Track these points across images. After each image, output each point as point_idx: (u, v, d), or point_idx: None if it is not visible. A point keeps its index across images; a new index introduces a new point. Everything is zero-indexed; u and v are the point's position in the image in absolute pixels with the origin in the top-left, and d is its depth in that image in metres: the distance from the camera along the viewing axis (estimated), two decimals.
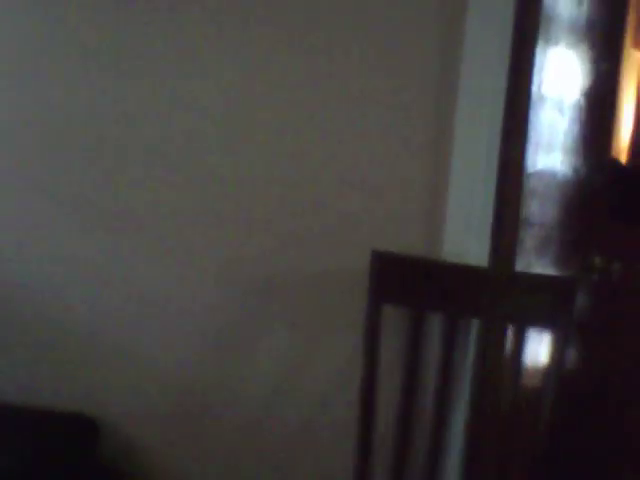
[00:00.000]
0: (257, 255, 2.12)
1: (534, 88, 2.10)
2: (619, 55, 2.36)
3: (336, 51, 2.05)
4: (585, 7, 2.21)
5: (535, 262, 2.21)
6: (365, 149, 2.07)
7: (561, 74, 2.21)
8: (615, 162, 2.72)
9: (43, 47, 2.15)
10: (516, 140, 2.09)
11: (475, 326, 2.01)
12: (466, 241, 2.05)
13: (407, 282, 2.00)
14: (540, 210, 2.21)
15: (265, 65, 2.08)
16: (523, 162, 2.11)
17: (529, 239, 2.17)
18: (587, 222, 2.34)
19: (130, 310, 2.18)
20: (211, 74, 2.10)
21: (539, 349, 2.12)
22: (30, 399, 2.17)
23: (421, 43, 2.03)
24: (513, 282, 2.01)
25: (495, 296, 1.97)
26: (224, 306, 2.15)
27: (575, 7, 2.21)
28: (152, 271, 2.16)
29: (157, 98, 2.12)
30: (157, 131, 2.13)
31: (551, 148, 2.21)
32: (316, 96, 2.07)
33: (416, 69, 2.04)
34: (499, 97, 2.04)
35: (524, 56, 2.07)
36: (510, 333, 1.99)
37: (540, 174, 2.18)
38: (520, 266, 2.14)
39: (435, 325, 2.02)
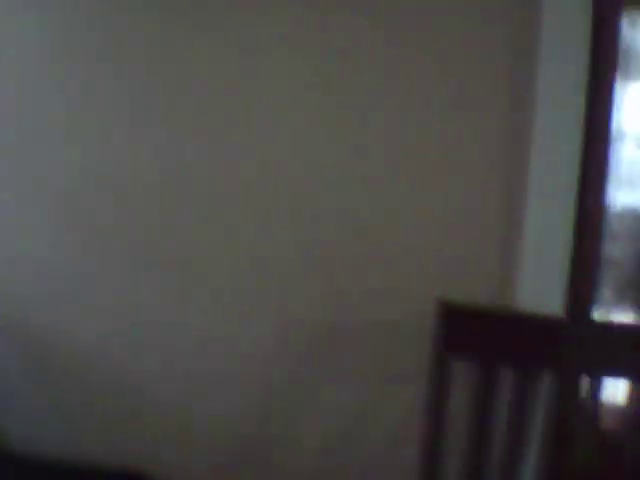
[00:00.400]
0: (319, 304, 2.08)
1: (613, 124, 2.03)
2: None
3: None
4: None
5: (614, 306, 2.11)
6: (434, 194, 2.02)
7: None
8: None
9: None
10: (596, 178, 2.02)
11: (547, 378, 1.90)
12: (541, 284, 1.98)
13: (475, 334, 1.91)
14: (620, 252, 2.12)
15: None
16: (603, 201, 2.04)
17: (608, 282, 2.08)
18: None
19: (189, 362, 2.15)
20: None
21: (615, 399, 2.03)
22: (77, 455, 2.16)
23: (493, 85, 1.98)
24: (591, 333, 1.89)
25: (571, 348, 1.86)
26: (285, 356, 2.11)
27: None
28: (212, 321, 2.13)
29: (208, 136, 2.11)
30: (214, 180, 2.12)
31: (632, 186, 2.12)
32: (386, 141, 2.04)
33: (491, 112, 1.99)
34: (577, 134, 1.98)
35: (602, 91, 2.01)
36: (585, 384, 1.90)
37: (621, 213, 2.09)
38: (598, 311, 2.05)
39: (505, 377, 1.92)
